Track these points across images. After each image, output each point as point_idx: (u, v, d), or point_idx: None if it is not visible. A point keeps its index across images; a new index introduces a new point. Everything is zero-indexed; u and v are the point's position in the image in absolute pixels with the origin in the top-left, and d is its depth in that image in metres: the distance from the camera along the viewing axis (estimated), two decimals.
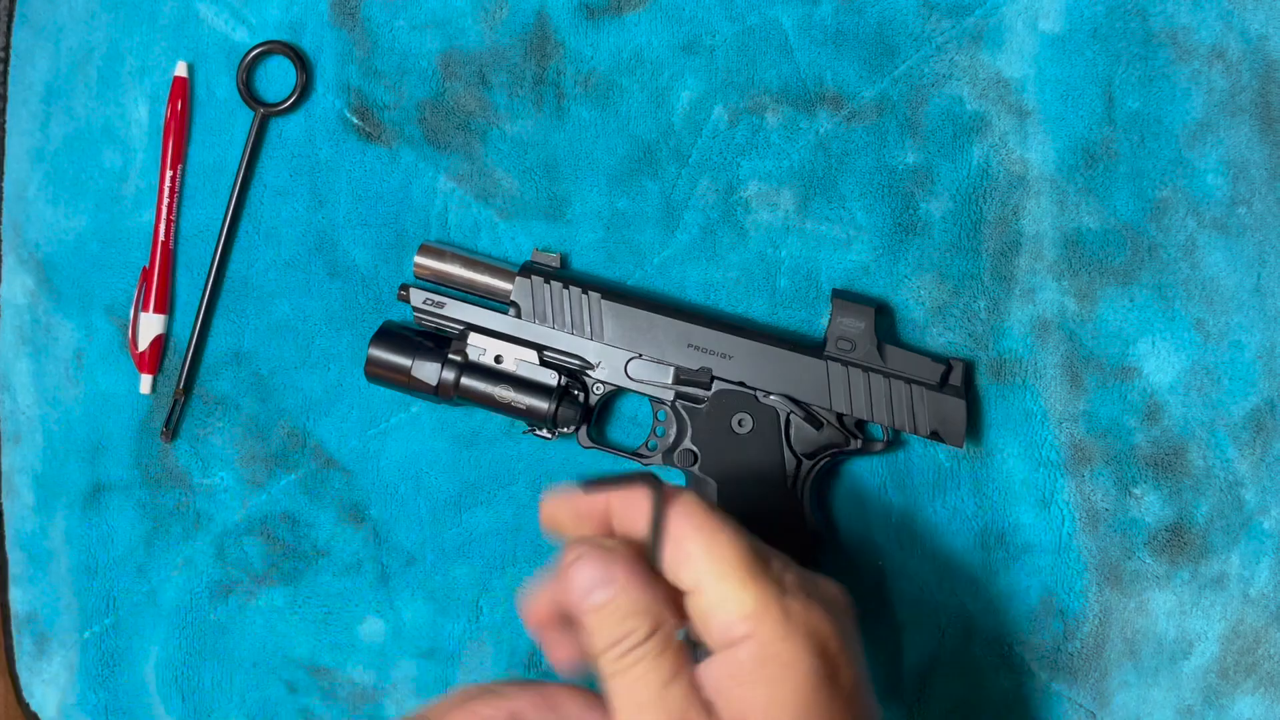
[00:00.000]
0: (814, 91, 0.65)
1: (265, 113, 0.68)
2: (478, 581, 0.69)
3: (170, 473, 0.70)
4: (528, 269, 0.64)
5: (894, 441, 0.64)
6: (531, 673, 0.69)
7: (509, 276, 0.65)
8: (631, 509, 0.49)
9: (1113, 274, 0.65)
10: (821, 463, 0.63)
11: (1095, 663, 0.66)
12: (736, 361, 0.63)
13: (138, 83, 0.69)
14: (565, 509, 0.51)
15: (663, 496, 0.49)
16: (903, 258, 0.65)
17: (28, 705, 0.71)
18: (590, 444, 0.65)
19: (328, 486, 0.69)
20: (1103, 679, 0.66)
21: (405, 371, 0.64)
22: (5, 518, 0.71)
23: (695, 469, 0.64)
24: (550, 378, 0.64)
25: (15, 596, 0.72)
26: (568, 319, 0.64)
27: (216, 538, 0.69)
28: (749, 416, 0.63)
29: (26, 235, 0.70)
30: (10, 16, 0.70)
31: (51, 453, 0.70)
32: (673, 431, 0.64)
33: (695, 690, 0.47)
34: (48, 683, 0.71)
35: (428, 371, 0.64)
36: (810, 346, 0.63)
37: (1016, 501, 0.66)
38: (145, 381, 0.69)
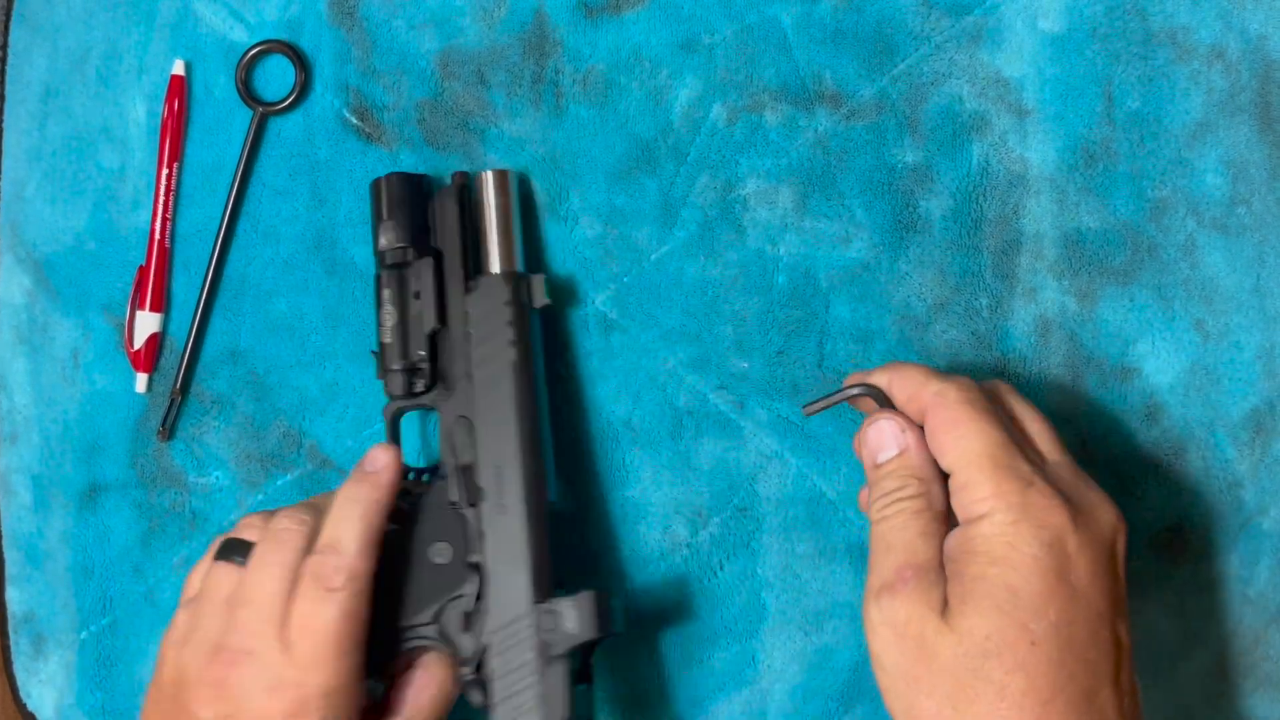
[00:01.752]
0: (813, 90, 0.65)
1: (264, 112, 0.68)
2: None
3: (166, 472, 0.69)
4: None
5: None
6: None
7: None
8: (903, 388, 0.56)
9: (1113, 274, 0.64)
10: None
11: None
12: None
13: (136, 82, 0.69)
14: (864, 377, 0.58)
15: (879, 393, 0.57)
16: (903, 255, 0.65)
17: (25, 705, 0.71)
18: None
19: (324, 487, 0.69)
20: None
21: None
22: (2, 518, 0.71)
23: None
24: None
25: (12, 596, 0.72)
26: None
27: (213, 538, 0.69)
28: None
29: (24, 234, 0.70)
30: (8, 15, 0.70)
31: (48, 452, 0.70)
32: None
33: (940, 545, 0.53)
34: (45, 683, 0.71)
35: None
36: None
37: None
38: (140, 380, 0.69)
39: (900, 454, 0.55)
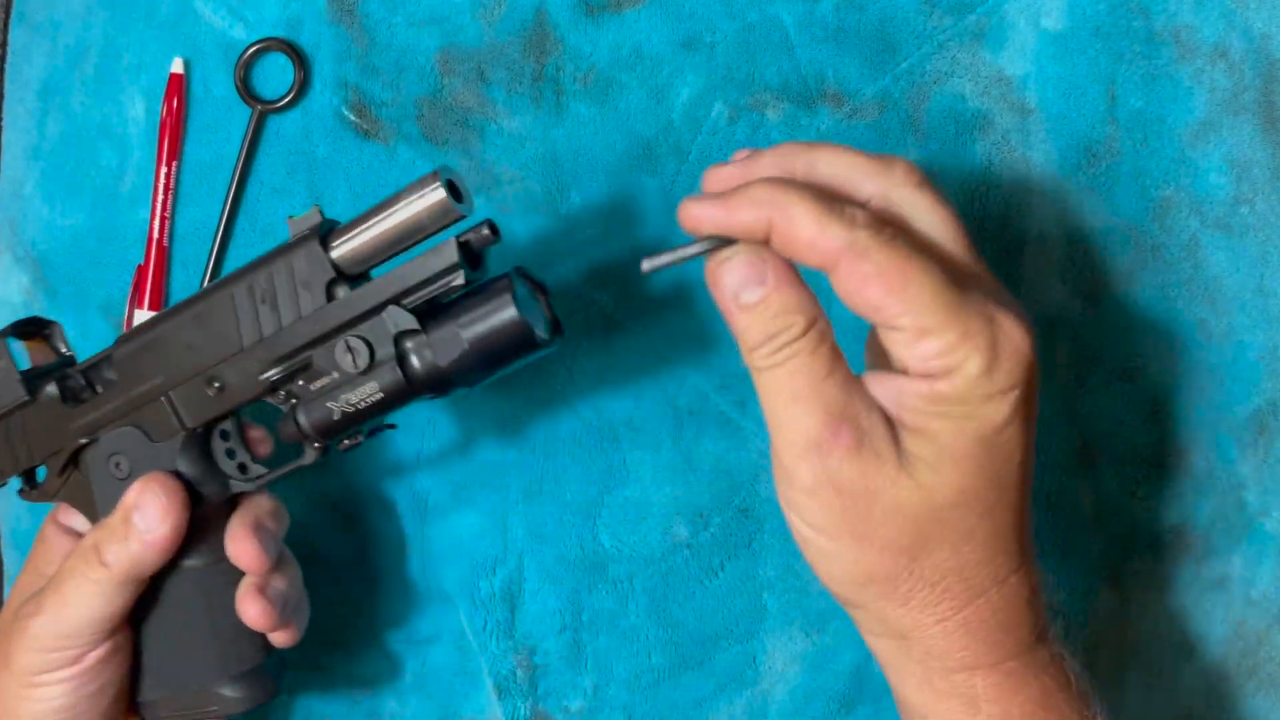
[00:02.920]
0: (815, 88, 0.65)
1: (263, 110, 0.67)
2: (466, 582, 0.68)
3: None
4: None
5: None
6: (515, 691, 0.68)
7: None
8: (794, 235, 0.46)
9: (1115, 273, 0.64)
10: None
11: (1097, 665, 0.65)
12: None
13: (134, 80, 0.69)
14: (714, 217, 0.48)
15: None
16: None
17: None
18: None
19: (321, 488, 0.68)
20: (1104, 682, 0.65)
21: None
22: (0, 518, 0.71)
23: None
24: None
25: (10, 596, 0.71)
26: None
27: None
28: None
29: (23, 233, 0.70)
30: (7, 13, 0.70)
31: None
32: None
33: (859, 387, 0.47)
34: None
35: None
36: None
37: None
38: None
39: (769, 289, 0.47)
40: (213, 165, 0.69)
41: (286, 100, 0.67)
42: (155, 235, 0.68)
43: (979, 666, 0.49)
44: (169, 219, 0.69)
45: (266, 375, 0.56)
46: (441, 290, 0.53)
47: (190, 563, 0.59)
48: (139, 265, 0.69)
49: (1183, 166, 0.64)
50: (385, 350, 0.54)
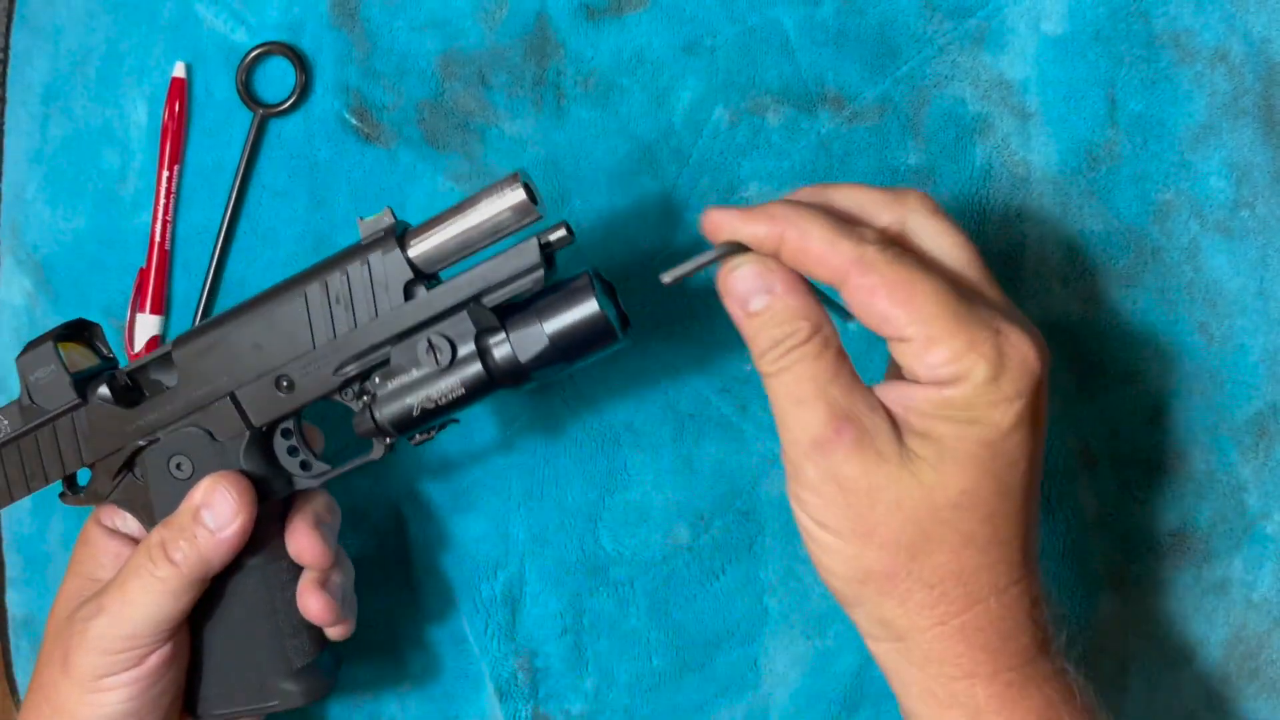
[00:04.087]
0: (815, 92, 0.65)
1: (264, 114, 0.67)
2: (467, 585, 0.68)
3: None
4: None
5: None
6: (523, 689, 0.68)
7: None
8: (806, 249, 0.49)
9: (1116, 277, 0.64)
10: None
11: (1098, 668, 0.65)
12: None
13: (136, 84, 0.69)
14: (732, 224, 0.51)
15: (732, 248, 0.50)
16: None
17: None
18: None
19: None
20: (1106, 684, 0.65)
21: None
22: (2, 520, 0.71)
23: None
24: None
25: (12, 599, 0.71)
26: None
27: None
28: None
29: (25, 236, 0.70)
30: (9, 17, 0.70)
31: None
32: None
33: (864, 391, 0.49)
34: None
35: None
36: None
37: None
38: None
39: (776, 296, 0.49)
40: (214, 169, 0.69)
41: (288, 104, 0.67)
42: (157, 239, 0.68)
43: (978, 675, 0.49)
44: (170, 222, 0.69)
45: (341, 372, 0.57)
46: (520, 289, 0.54)
47: (251, 561, 0.59)
48: (140, 268, 0.69)
49: (1183, 170, 0.64)
50: (467, 347, 0.55)
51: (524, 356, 0.55)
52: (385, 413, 0.57)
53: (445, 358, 0.55)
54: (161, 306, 0.69)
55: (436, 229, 0.55)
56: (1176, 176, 0.64)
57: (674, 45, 0.66)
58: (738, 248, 0.50)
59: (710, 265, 0.51)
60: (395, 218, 0.56)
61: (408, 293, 0.55)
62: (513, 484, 0.68)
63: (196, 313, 0.68)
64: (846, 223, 0.49)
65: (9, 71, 0.70)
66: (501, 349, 0.55)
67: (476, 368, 0.55)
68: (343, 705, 0.69)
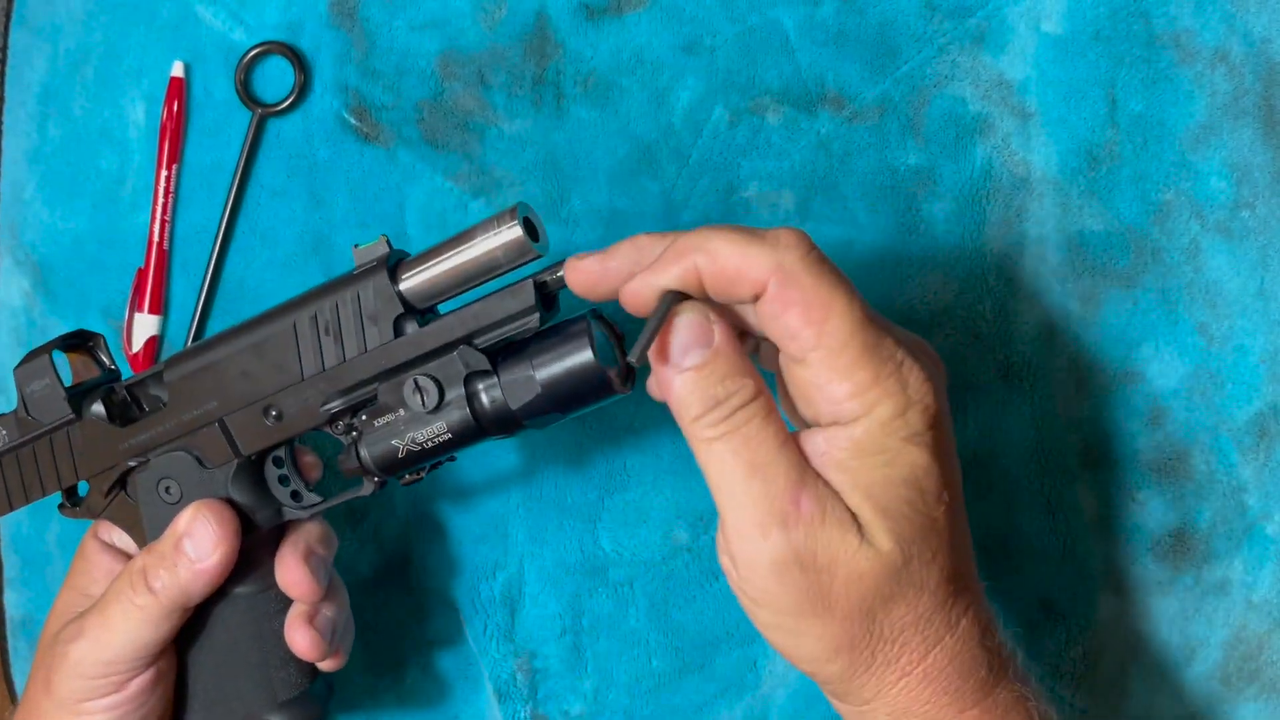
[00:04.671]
0: (815, 92, 0.65)
1: (263, 113, 0.67)
2: (466, 586, 0.68)
3: None
4: None
5: None
6: (514, 701, 0.68)
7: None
8: (721, 269, 0.45)
9: (1116, 277, 0.64)
10: None
11: (1098, 669, 0.65)
12: None
13: (135, 84, 0.69)
14: (645, 284, 0.48)
15: (672, 298, 0.46)
16: (906, 258, 0.65)
17: None
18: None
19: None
20: (1105, 686, 0.65)
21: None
22: (0, 521, 0.71)
23: None
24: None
25: (10, 600, 0.71)
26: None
27: None
28: None
29: (23, 236, 0.70)
30: (8, 17, 0.70)
31: None
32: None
33: (805, 457, 0.46)
34: None
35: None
36: None
37: (1019, 506, 0.65)
38: None
39: (716, 352, 0.46)
40: (213, 169, 0.69)
41: (287, 104, 0.67)
42: (155, 239, 0.68)
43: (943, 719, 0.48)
44: (169, 222, 0.69)
45: (328, 407, 0.55)
46: (515, 331, 0.52)
47: (239, 589, 0.58)
48: (139, 269, 0.69)
49: (1183, 170, 0.64)
50: (455, 391, 0.53)
51: (515, 404, 0.52)
52: (370, 452, 0.55)
53: (432, 400, 0.53)
54: (160, 306, 0.69)
55: (429, 263, 0.52)
56: (1176, 177, 0.64)
57: (674, 45, 0.65)
58: (680, 297, 0.47)
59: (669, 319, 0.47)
60: (390, 247, 0.53)
61: (398, 328, 0.53)
62: (512, 484, 0.68)
63: (195, 313, 0.68)
64: (753, 232, 0.46)
65: (7, 71, 0.70)
66: (492, 394, 0.53)
67: (464, 413, 0.53)
68: (341, 706, 0.69)
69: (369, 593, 0.69)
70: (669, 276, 0.47)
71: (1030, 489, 0.65)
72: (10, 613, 0.71)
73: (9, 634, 0.72)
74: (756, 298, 0.46)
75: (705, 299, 0.47)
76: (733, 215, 0.65)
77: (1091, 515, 0.65)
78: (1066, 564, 0.65)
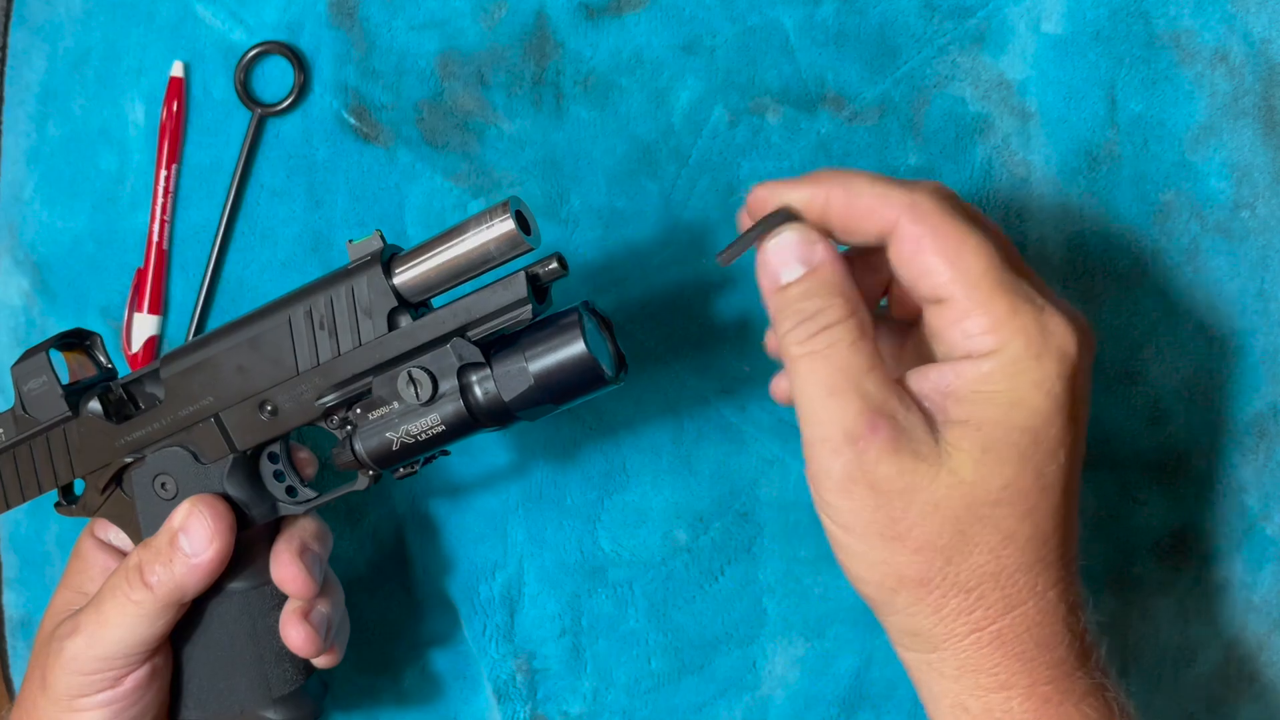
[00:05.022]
0: (815, 92, 0.65)
1: (262, 113, 0.67)
2: (466, 586, 0.68)
3: None
4: None
5: None
6: (522, 683, 0.68)
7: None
8: (853, 205, 0.46)
9: (1116, 278, 0.64)
10: None
11: None
12: None
13: (135, 83, 0.69)
14: (776, 194, 0.48)
15: (780, 216, 0.47)
16: None
17: None
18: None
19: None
20: None
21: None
22: None
23: None
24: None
25: (9, 600, 0.71)
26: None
27: None
28: None
29: (22, 236, 0.70)
30: (7, 17, 0.70)
31: None
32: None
33: (898, 386, 0.46)
34: None
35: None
36: None
37: None
38: None
39: (813, 270, 0.46)
40: (212, 168, 0.69)
41: (286, 103, 0.67)
42: (155, 238, 0.68)
43: (1014, 687, 0.47)
44: (168, 222, 0.69)
45: (322, 401, 0.55)
46: (508, 323, 0.53)
47: (234, 585, 0.58)
48: (138, 268, 0.69)
49: (1183, 171, 0.64)
50: (449, 383, 0.54)
51: (508, 395, 0.53)
52: (365, 445, 0.55)
53: (425, 392, 0.54)
54: (160, 306, 0.69)
55: (423, 257, 0.53)
56: (1176, 177, 0.64)
57: (673, 45, 0.65)
58: (787, 216, 0.47)
59: (764, 238, 0.48)
60: (384, 241, 0.54)
61: (391, 321, 0.54)
62: (511, 485, 0.68)
63: (194, 312, 0.68)
64: (892, 180, 0.46)
65: (7, 71, 0.70)
66: (485, 386, 0.53)
67: (458, 405, 0.54)
68: (339, 706, 0.69)
69: (368, 592, 0.69)
70: (798, 194, 0.47)
71: None
72: (9, 612, 0.71)
73: (8, 634, 0.72)
74: (884, 239, 0.46)
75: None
76: (732, 216, 0.65)
77: (1091, 514, 0.65)
78: None
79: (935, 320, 0.46)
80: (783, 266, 0.47)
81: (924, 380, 0.46)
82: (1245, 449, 0.64)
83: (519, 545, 0.68)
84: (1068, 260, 0.64)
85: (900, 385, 0.46)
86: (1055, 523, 0.46)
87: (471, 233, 0.52)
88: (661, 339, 0.66)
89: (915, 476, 0.45)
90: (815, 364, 0.46)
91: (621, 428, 0.67)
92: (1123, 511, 0.65)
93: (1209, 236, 0.64)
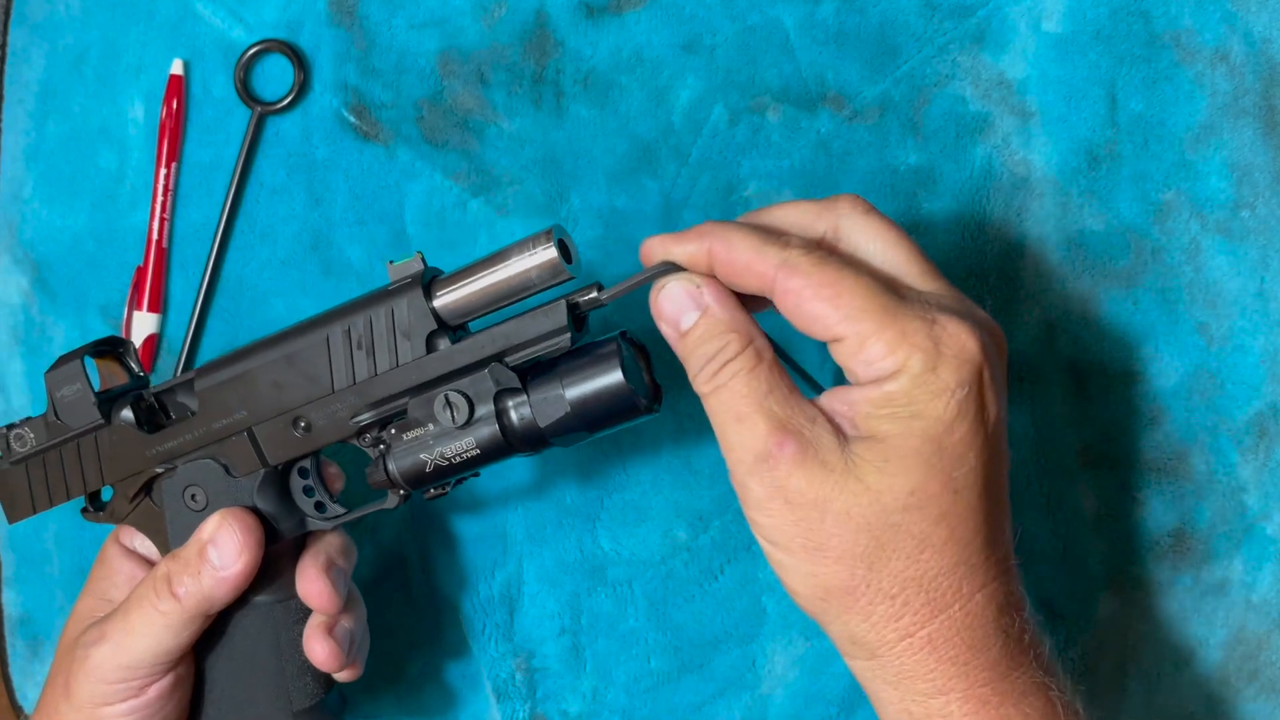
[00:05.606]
0: (815, 91, 0.65)
1: (262, 111, 0.67)
2: (465, 585, 0.68)
3: None
4: None
5: None
6: (519, 681, 0.68)
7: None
8: (732, 260, 0.49)
9: (1116, 277, 0.64)
10: None
11: (1097, 669, 0.65)
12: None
13: (134, 81, 0.69)
14: (664, 248, 0.51)
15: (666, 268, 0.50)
16: None
17: (21, 708, 0.71)
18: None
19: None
20: (1105, 686, 0.65)
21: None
22: (0, 521, 0.71)
23: None
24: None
25: (9, 599, 0.71)
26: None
27: None
28: None
29: (21, 235, 0.70)
30: (7, 15, 0.70)
31: None
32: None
33: (802, 402, 0.48)
34: (41, 685, 0.70)
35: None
36: None
37: (1019, 506, 0.65)
38: None
39: (705, 312, 0.50)
40: (212, 167, 0.69)
41: (286, 102, 0.67)
42: (154, 237, 0.68)
43: (952, 691, 0.48)
44: (168, 220, 0.69)
45: (357, 420, 0.56)
46: (546, 350, 0.53)
47: (259, 598, 0.58)
48: (138, 267, 0.69)
49: (1183, 170, 0.64)
50: (485, 407, 0.54)
51: (543, 422, 0.53)
52: (398, 465, 0.55)
53: (462, 416, 0.54)
54: (159, 304, 0.69)
55: (464, 281, 0.53)
56: (1177, 177, 0.64)
57: (673, 44, 0.65)
58: (671, 267, 0.50)
59: (646, 284, 0.51)
60: (425, 264, 0.54)
61: (430, 344, 0.54)
62: (511, 484, 0.68)
63: (194, 311, 0.68)
64: (773, 233, 0.49)
65: (6, 69, 0.70)
66: (521, 411, 0.54)
67: (493, 429, 0.54)
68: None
69: (368, 592, 0.69)
70: (683, 250, 0.50)
71: (1030, 489, 0.65)
72: (8, 611, 0.71)
73: (7, 632, 0.72)
74: (767, 293, 0.49)
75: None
76: (732, 214, 0.65)
77: (1091, 514, 0.65)
78: (1066, 564, 0.65)
79: (838, 355, 0.48)
80: (681, 314, 0.50)
81: (836, 399, 0.49)
82: (1245, 449, 0.64)
83: (519, 544, 0.68)
84: (1068, 259, 0.64)
85: (811, 403, 0.49)
86: (974, 525, 0.48)
87: (514, 259, 0.52)
88: (661, 338, 0.66)
89: (826, 487, 0.47)
90: (722, 396, 0.49)
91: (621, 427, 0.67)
92: (1122, 511, 0.65)
93: (1209, 236, 0.64)
